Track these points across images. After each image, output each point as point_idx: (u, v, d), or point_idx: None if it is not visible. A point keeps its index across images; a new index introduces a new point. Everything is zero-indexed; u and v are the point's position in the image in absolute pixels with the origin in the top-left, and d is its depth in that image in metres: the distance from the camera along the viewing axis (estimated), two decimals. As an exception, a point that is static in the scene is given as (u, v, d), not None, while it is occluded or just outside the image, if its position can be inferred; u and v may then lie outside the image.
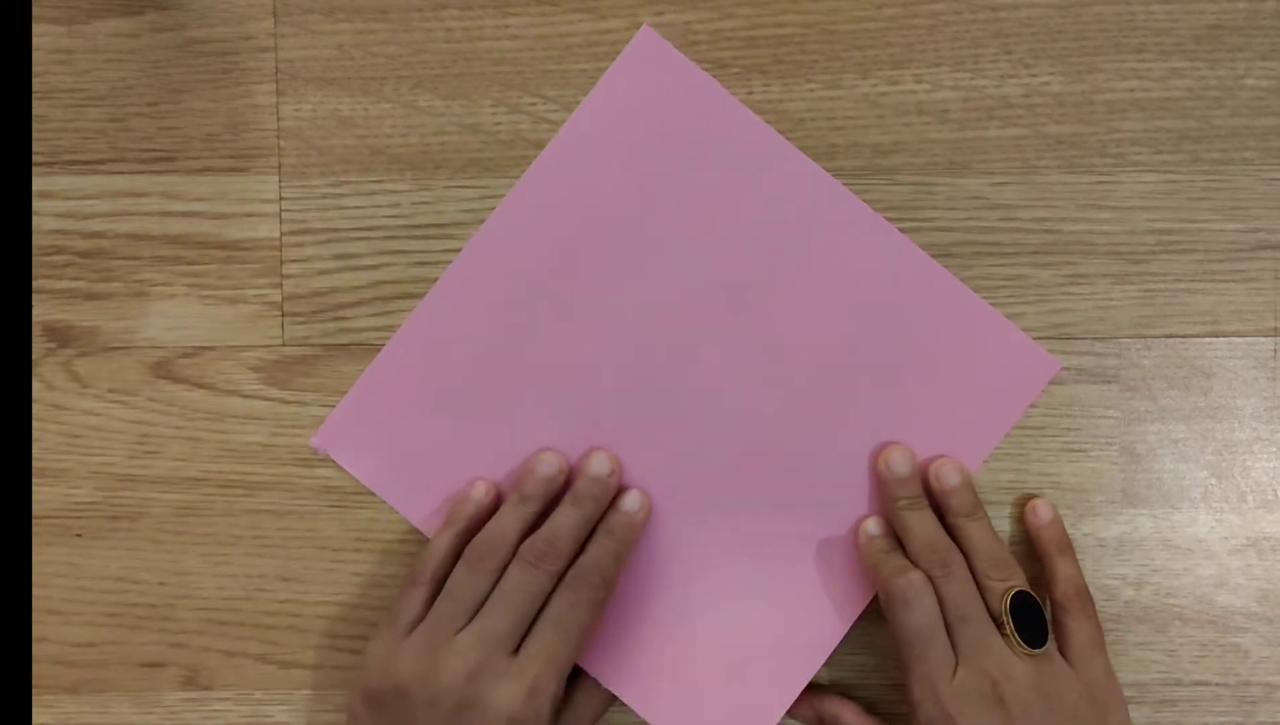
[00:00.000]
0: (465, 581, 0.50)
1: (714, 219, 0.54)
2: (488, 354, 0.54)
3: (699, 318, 0.54)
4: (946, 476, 0.52)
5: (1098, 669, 0.50)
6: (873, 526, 0.53)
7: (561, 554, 0.50)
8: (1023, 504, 0.54)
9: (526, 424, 0.54)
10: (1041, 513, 0.53)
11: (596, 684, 0.53)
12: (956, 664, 0.48)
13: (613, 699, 0.53)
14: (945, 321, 0.54)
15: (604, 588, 0.50)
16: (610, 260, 0.54)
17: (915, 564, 0.51)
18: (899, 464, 0.52)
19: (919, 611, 0.49)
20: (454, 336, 0.54)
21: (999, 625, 0.49)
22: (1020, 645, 0.48)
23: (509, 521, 0.51)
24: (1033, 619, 0.49)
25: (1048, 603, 0.52)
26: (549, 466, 0.52)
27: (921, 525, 0.51)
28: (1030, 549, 0.54)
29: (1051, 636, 0.50)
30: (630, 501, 0.53)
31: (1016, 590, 0.49)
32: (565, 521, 0.51)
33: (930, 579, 0.50)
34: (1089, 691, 0.49)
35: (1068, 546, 0.53)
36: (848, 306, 0.54)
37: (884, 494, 0.53)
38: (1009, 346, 0.54)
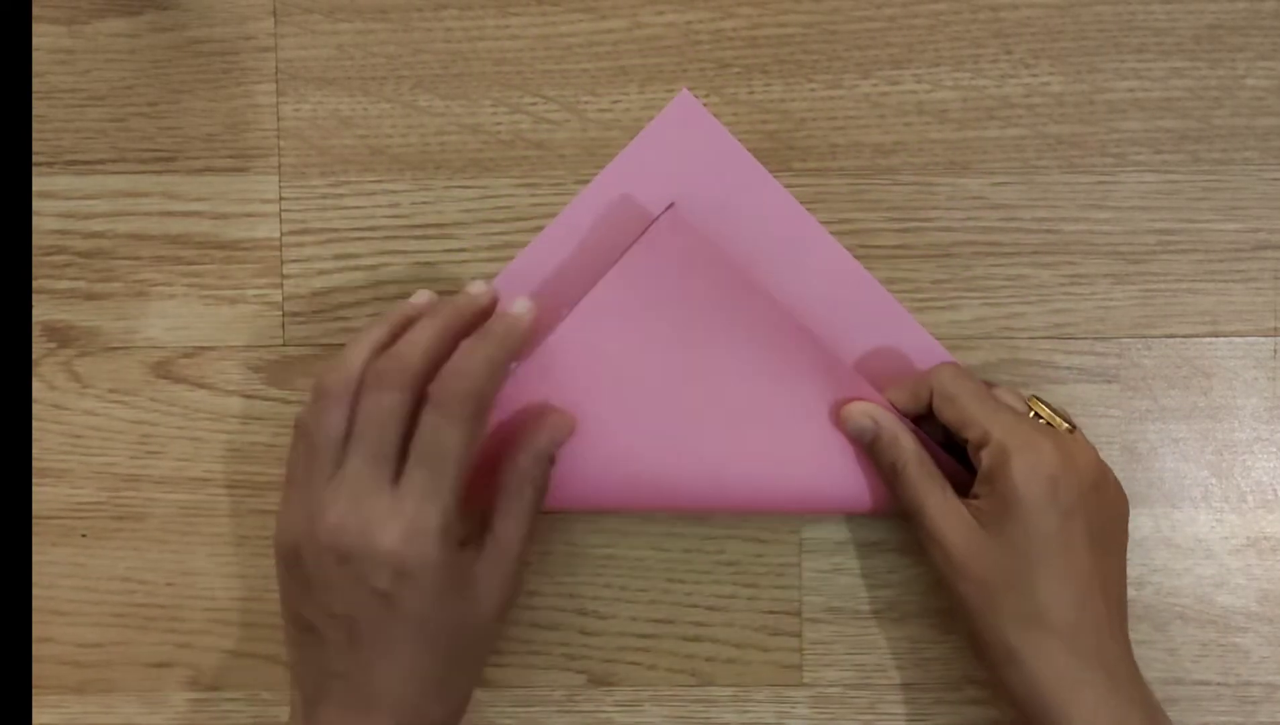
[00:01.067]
0: (323, 419, 0.46)
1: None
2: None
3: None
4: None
5: None
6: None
7: (408, 368, 0.45)
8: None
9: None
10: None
11: (520, 503, 0.48)
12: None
13: (535, 516, 0.49)
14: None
15: (473, 399, 0.45)
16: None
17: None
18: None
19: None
20: None
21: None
22: (1061, 421, 0.50)
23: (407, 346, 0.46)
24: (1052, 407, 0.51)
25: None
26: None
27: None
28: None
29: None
30: (516, 305, 0.49)
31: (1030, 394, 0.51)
32: (416, 335, 0.46)
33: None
34: None
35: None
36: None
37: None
38: None
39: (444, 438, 0.45)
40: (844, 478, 0.52)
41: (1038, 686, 0.47)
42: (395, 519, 0.44)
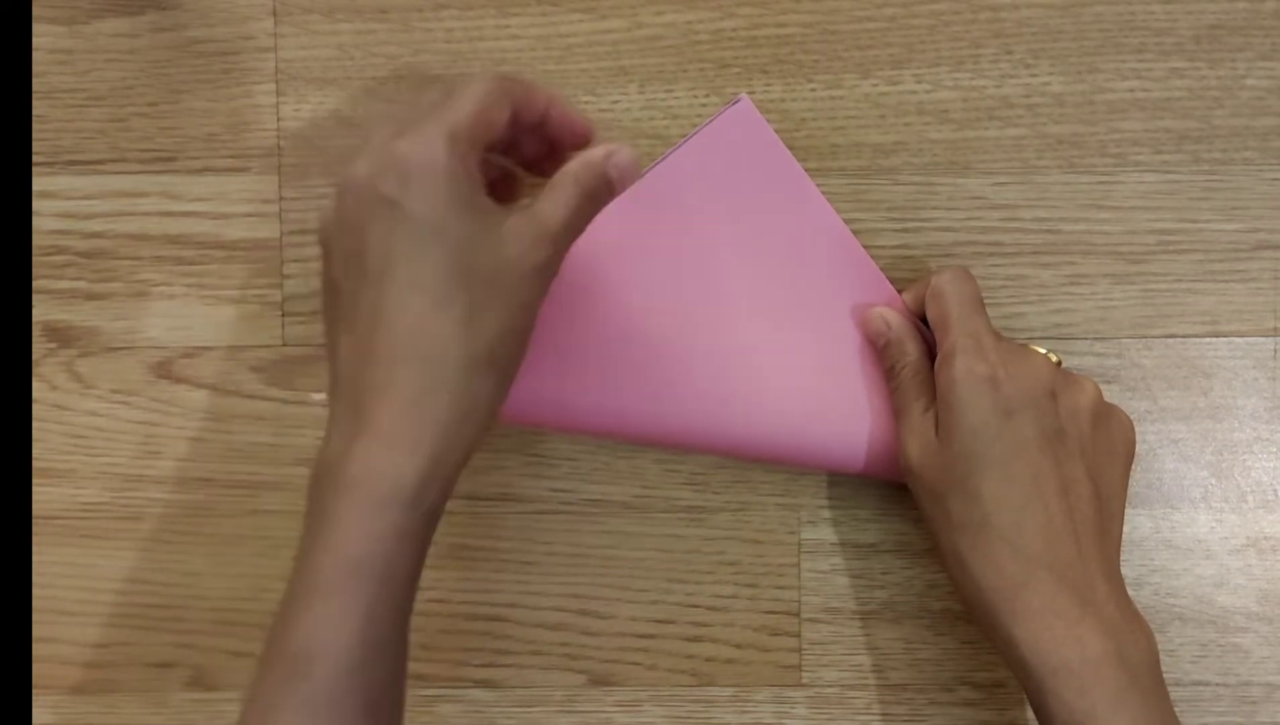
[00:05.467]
0: None
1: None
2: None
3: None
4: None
5: None
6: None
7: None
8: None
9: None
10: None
11: (562, 190, 0.45)
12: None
13: (578, 213, 0.46)
14: None
15: (518, 80, 0.46)
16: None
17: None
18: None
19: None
20: None
21: None
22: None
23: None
24: None
25: None
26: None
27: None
28: None
29: None
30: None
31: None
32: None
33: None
34: None
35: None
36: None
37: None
38: None
39: (471, 79, 0.45)
40: (850, 421, 0.52)
41: (983, 591, 0.46)
42: (407, 133, 0.43)
